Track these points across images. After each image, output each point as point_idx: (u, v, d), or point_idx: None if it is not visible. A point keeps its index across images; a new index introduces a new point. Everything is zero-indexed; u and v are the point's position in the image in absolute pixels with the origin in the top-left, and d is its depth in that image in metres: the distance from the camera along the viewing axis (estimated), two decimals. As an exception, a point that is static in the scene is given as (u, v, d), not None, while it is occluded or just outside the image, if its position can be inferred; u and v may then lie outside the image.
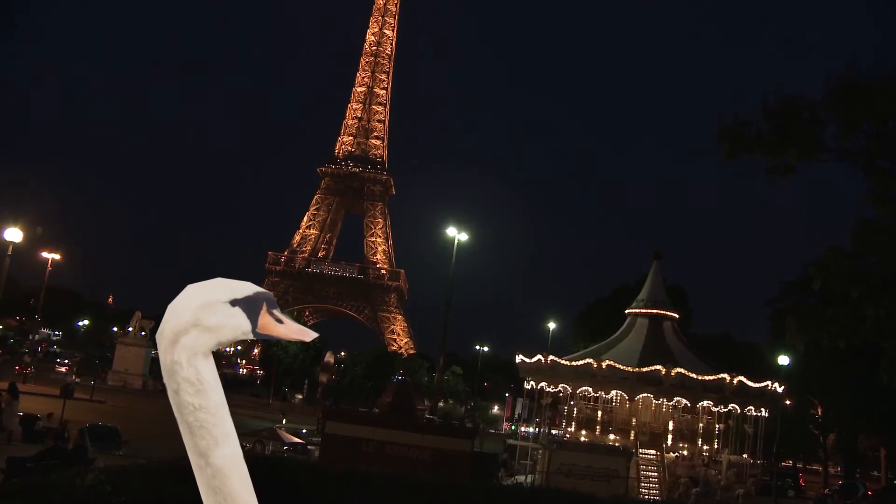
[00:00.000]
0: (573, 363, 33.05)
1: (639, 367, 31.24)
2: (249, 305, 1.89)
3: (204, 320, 1.86)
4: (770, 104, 19.62)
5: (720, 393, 31.75)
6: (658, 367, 30.90)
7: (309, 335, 1.95)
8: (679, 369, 30.82)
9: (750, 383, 31.85)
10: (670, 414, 33.70)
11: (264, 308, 1.91)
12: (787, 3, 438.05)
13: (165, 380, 1.87)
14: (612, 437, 33.17)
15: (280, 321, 1.92)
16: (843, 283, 19.39)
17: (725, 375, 31.42)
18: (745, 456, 35.26)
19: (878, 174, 19.77)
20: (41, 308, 70.13)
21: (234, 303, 1.88)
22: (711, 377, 31.33)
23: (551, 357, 34.15)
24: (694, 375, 30.96)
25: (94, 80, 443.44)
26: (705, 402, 32.50)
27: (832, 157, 20.05)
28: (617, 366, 31.34)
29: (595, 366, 31.78)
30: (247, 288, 1.92)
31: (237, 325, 1.88)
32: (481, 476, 22.16)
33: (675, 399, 32.07)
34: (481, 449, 29.38)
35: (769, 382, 33.04)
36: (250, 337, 1.93)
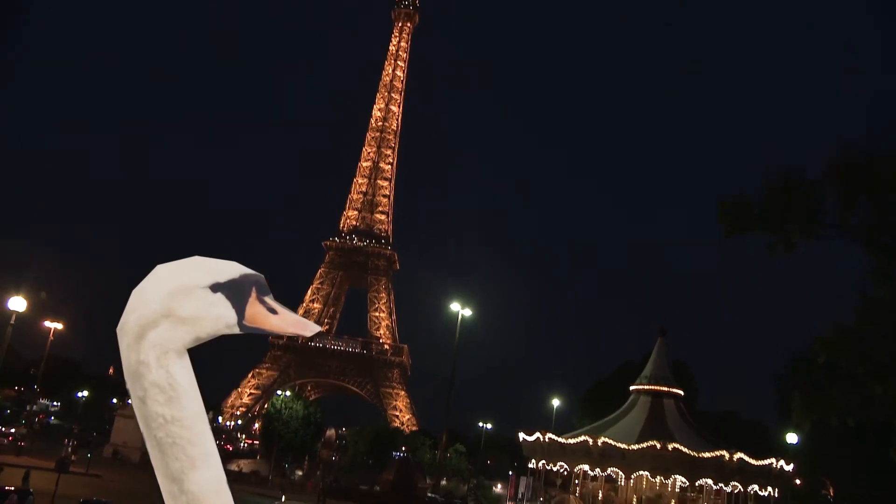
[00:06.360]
0: (570, 441, 32.71)
1: (635, 444, 30.82)
2: (235, 291, 1.53)
3: (177, 310, 1.50)
4: (770, 182, 19.84)
5: (720, 471, 31.15)
6: (654, 442, 30.49)
7: (309, 328, 1.62)
8: (675, 445, 30.36)
9: (752, 461, 31.25)
10: (673, 493, 33.00)
11: (253, 294, 1.55)
12: (789, 76, 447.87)
13: (129, 385, 1.54)
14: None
15: (273, 311, 1.57)
16: (848, 361, 19.17)
17: (724, 452, 30.88)
18: None
19: (880, 251, 19.79)
20: (40, 378, 69.55)
21: (215, 288, 1.51)
22: (709, 454, 30.79)
23: (549, 435, 33.88)
24: (691, 452, 30.45)
25: (95, 143, 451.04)
26: (706, 481, 31.85)
27: (833, 234, 20.14)
28: (612, 443, 30.96)
29: (591, 443, 31.40)
30: (231, 269, 1.55)
31: (219, 317, 1.52)
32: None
33: (673, 477, 31.51)
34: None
35: (773, 460, 32.39)
36: (236, 331, 1.57)
